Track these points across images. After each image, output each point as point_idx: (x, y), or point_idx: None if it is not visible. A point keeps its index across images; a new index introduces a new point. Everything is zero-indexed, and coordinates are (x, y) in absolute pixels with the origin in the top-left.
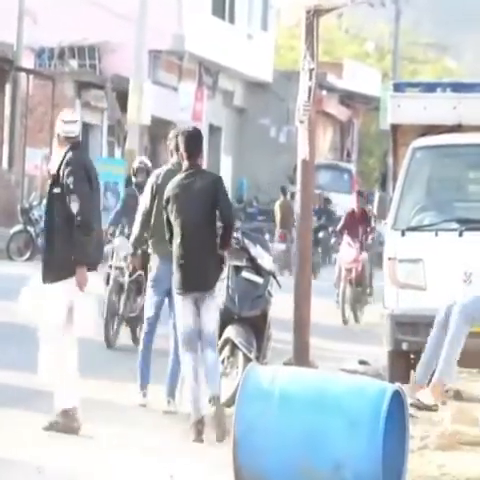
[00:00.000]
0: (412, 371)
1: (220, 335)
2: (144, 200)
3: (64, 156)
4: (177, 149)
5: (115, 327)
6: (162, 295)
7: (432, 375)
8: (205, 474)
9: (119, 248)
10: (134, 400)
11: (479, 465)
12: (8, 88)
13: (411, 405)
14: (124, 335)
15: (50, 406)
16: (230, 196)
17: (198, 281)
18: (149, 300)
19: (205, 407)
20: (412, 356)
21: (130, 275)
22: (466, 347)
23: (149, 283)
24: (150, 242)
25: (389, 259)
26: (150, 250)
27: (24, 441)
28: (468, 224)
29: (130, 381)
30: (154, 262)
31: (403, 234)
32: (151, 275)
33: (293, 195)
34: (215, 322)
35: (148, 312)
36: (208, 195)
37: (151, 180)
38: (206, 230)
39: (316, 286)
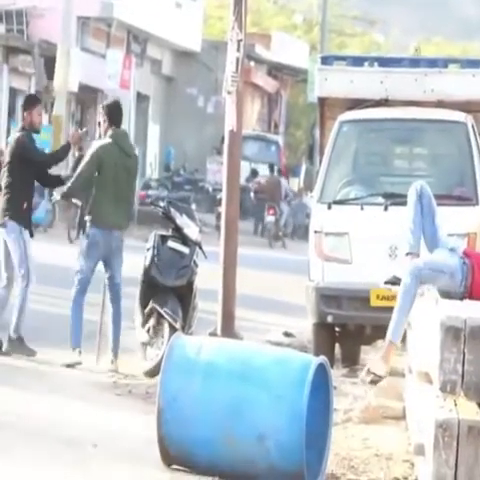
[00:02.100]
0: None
1: (146, 304)
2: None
3: None
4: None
5: None
6: (98, 259)
7: None
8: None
9: None
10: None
11: (402, 439)
12: None
13: (372, 382)
14: None
15: None
16: (157, 164)
17: None
18: (85, 263)
19: None
20: (337, 329)
21: None
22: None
23: (85, 247)
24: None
25: (315, 232)
26: (88, 218)
27: None
28: (393, 199)
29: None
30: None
31: (329, 207)
32: (87, 240)
33: (280, 171)
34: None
35: (83, 273)
36: None
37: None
38: None
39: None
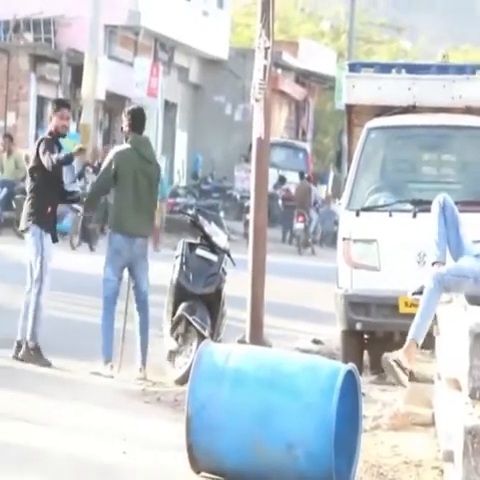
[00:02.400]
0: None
1: (174, 312)
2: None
3: None
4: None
5: None
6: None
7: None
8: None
9: None
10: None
11: (431, 446)
12: None
13: (394, 362)
14: None
15: None
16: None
17: None
18: (111, 272)
19: None
20: (365, 336)
21: None
22: None
23: (108, 255)
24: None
25: (343, 239)
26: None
27: None
28: (422, 205)
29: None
30: (115, 237)
31: (357, 214)
32: (110, 248)
33: (309, 178)
34: None
35: (110, 283)
36: None
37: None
38: None
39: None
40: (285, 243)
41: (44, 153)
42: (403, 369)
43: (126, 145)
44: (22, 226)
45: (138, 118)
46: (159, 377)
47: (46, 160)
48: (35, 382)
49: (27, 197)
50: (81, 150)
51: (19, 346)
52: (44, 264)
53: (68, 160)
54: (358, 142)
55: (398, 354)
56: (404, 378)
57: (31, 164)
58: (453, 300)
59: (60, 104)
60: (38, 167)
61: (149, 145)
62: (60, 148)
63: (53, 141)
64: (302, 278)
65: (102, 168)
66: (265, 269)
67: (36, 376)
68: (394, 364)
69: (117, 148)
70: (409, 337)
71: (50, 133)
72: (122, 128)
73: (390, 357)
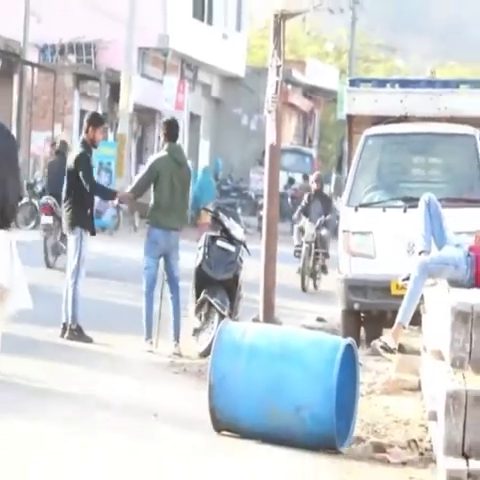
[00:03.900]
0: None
1: (198, 295)
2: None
3: None
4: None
5: None
6: (159, 255)
7: None
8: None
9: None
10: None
11: (418, 407)
12: (16, 79)
13: (381, 348)
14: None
15: None
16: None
17: None
18: (150, 260)
19: None
20: (362, 314)
21: None
22: None
23: (147, 246)
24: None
25: (343, 231)
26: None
27: None
28: (412, 202)
29: None
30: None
31: (356, 210)
32: (147, 239)
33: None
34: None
35: (150, 270)
36: None
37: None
38: None
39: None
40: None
41: (85, 177)
42: (390, 350)
43: (163, 152)
44: (65, 230)
45: (172, 128)
46: (185, 351)
47: (86, 184)
48: (78, 356)
49: (66, 201)
50: (124, 198)
51: (64, 327)
52: (81, 259)
53: (108, 197)
54: (357, 147)
55: (385, 338)
56: (390, 357)
57: (69, 174)
58: (437, 283)
59: (102, 120)
60: (76, 177)
61: (182, 151)
62: (91, 159)
63: (89, 153)
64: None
65: (144, 171)
66: (276, 258)
67: (79, 351)
68: (381, 350)
69: (156, 155)
70: (397, 320)
71: (85, 142)
72: (159, 137)
73: (377, 344)
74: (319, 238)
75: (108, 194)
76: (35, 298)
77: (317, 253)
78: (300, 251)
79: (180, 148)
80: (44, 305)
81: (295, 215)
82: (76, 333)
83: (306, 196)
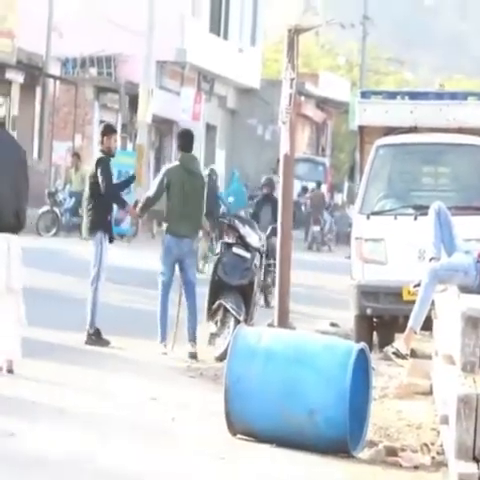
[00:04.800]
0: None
1: (214, 301)
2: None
3: None
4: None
5: None
6: (174, 262)
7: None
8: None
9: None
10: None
11: (430, 411)
12: (38, 91)
13: (393, 354)
14: None
15: None
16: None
17: None
18: (165, 267)
19: None
20: (375, 319)
21: None
22: None
23: (162, 253)
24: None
25: (356, 239)
26: (165, 228)
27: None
28: (422, 210)
29: None
30: (167, 238)
31: (368, 218)
32: (163, 247)
33: (320, 187)
34: None
35: (164, 276)
36: None
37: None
38: None
39: None
40: (307, 242)
41: (102, 175)
42: (402, 356)
43: (176, 162)
44: (85, 234)
45: (185, 139)
46: (202, 355)
47: (102, 183)
48: (95, 359)
49: (87, 207)
50: (133, 214)
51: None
52: (102, 264)
53: (119, 203)
54: (368, 157)
55: (397, 343)
56: (402, 363)
57: (90, 180)
58: (447, 289)
59: (114, 129)
60: (97, 183)
61: (195, 161)
62: (110, 167)
63: (109, 160)
64: (321, 271)
65: (156, 182)
66: (290, 264)
67: (96, 354)
68: (393, 356)
69: (168, 165)
70: (408, 326)
71: (103, 151)
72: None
73: (390, 350)
74: (270, 247)
75: (120, 202)
76: (58, 303)
77: (269, 265)
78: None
79: (193, 158)
80: (66, 310)
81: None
82: (94, 337)
83: (255, 201)
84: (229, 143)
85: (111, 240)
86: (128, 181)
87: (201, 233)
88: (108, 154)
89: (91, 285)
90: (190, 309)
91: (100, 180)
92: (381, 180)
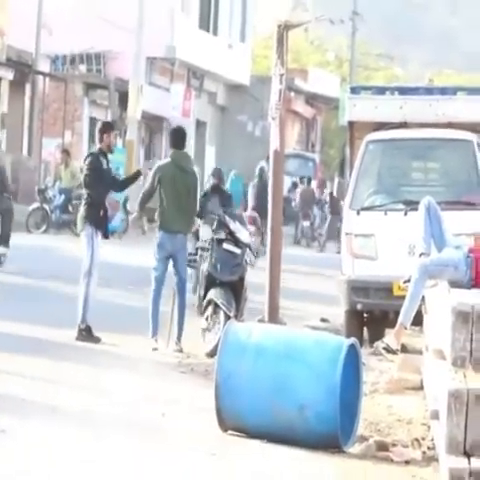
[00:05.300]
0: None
1: (204, 297)
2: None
3: None
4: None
5: None
6: (166, 258)
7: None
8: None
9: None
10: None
11: (420, 406)
12: (28, 88)
13: (384, 349)
14: None
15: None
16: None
17: None
18: (157, 263)
19: None
20: (365, 315)
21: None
22: None
23: (155, 249)
24: (158, 218)
25: (346, 234)
26: (157, 225)
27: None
28: (412, 205)
29: None
30: (160, 234)
31: (358, 213)
32: (156, 243)
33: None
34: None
35: (157, 272)
36: None
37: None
38: None
39: None
40: (297, 238)
41: (87, 170)
42: (392, 351)
43: (167, 159)
44: (79, 228)
45: (176, 136)
46: (192, 351)
47: (85, 177)
48: (85, 356)
49: (82, 203)
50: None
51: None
52: (94, 260)
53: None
54: (358, 153)
55: (387, 339)
56: (393, 358)
57: (83, 175)
58: (438, 284)
59: (113, 127)
60: (87, 178)
61: (187, 158)
62: (107, 162)
63: (101, 156)
64: (311, 267)
65: (149, 179)
66: (281, 260)
67: (87, 351)
68: (384, 351)
69: (159, 163)
70: (399, 321)
71: (100, 150)
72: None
73: (380, 345)
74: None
75: (134, 176)
76: (49, 300)
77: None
78: (195, 260)
79: (185, 155)
80: (57, 307)
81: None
82: (84, 333)
83: (202, 193)
84: (219, 139)
85: (107, 236)
86: (134, 177)
87: (253, 228)
88: (107, 151)
89: (82, 280)
90: (180, 306)
91: (83, 173)
92: (371, 176)
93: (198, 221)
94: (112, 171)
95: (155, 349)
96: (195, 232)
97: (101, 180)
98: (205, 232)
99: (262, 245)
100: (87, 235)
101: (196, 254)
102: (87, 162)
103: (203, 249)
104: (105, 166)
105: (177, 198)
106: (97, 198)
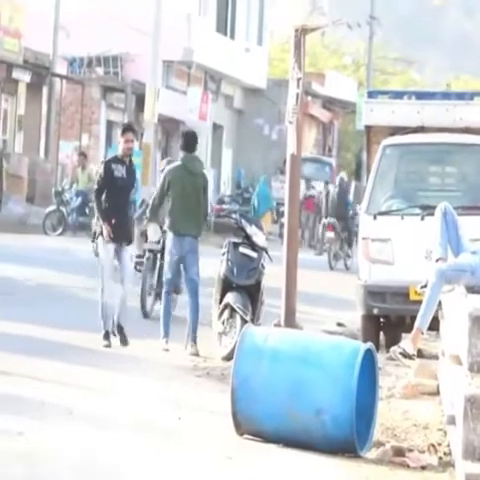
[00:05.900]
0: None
1: (221, 301)
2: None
3: None
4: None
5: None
6: (177, 260)
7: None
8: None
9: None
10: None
11: (437, 411)
12: (45, 91)
13: (400, 354)
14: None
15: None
16: (230, 183)
17: None
18: (168, 265)
19: None
20: (381, 319)
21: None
22: None
23: (166, 251)
24: (167, 220)
25: (363, 239)
26: (166, 228)
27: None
28: (429, 210)
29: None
30: (169, 237)
31: (375, 218)
32: (168, 246)
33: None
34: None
35: (167, 274)
36: None
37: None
38: None
39: None
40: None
41: (96, 180)
42: (408, 356)
43: (177, 162)
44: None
45: (187, 139)
46: (209, 355)
47: (95, 182)
48: (101, 359)
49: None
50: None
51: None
52: (104, 268)
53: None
54: (375, 157)
55: (404, 343)
56: (409, 363)
57: (95, 185)
58: (454, 289)
59: (126, 129)
60: (99, 186)
61: (197, 161)
62: (125, 169)
63: (114, 163)
64: (327, 271)
65: (159, 183)
66: (297, 264)
67: (103, 354)
68: (400, 356)
69: (169, 166)
70: (415, 326)
71: (116, 156)
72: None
73: (396, 350)
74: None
75: (100, 212)
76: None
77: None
78: (142, 263)
79: (195, 158)
80: (74, 310)
81: (135, 216)
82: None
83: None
84: (236, 143)
85: (129, 242)
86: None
87: (333, 233)
88: (123, 156)
89: (123, 287)
90: (192, 308)
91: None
92: (388, 180)
93: (145, 222)
94: (130, 178)
95: (166, 350)
96: (143, 233)
97: (108, 189)
98: (152, 233)
99: (340, 250)
100: (98, 243)
101: (143, 256)
102: (98, 171)
103: (151, 251)
104: (118, 174)
105: (186, 201)
106: (104, 208)
